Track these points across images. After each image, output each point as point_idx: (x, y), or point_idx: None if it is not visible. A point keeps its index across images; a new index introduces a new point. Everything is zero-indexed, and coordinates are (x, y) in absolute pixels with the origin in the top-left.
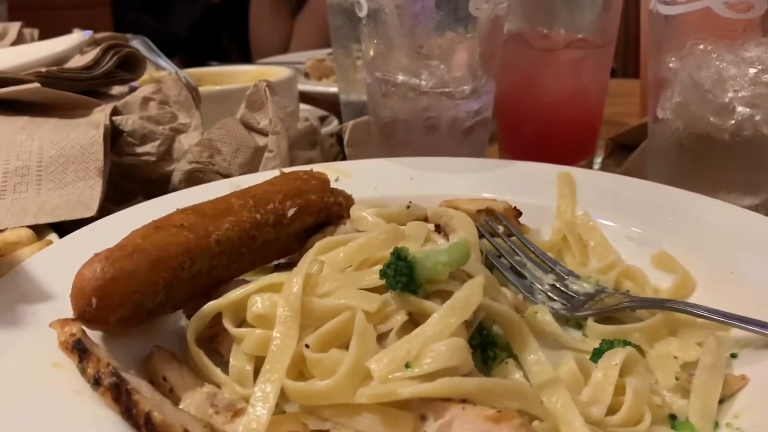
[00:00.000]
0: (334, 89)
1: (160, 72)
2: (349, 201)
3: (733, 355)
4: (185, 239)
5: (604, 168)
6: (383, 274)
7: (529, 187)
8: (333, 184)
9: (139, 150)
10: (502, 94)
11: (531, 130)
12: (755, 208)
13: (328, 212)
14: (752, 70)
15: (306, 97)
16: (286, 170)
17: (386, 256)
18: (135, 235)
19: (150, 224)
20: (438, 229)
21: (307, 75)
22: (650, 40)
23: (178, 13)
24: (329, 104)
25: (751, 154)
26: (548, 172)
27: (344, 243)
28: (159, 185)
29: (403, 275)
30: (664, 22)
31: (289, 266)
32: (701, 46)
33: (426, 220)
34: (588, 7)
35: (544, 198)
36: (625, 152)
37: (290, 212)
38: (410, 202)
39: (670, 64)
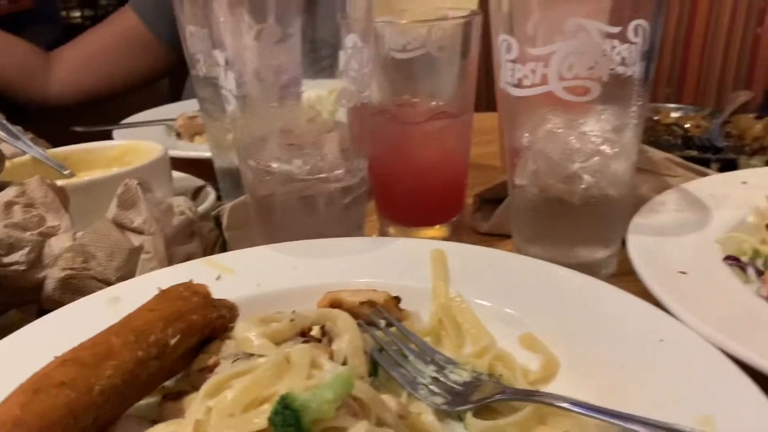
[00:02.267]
0: (208, 154)
1: (21, 157)
2: (232, 312)
3: None
4: (67, 399)
5: (473, 223)
6: (271, 422)
7: (407, 266)
8: (215, 284)
9: (7, 260)
10: (374, 163)
11: (403, 194)
12: (607, 259)
13: (213, 328)
14: (593, 143)
15: (180, 162)
16: (165, 281)
17: (274, 393)
18: (13, 404)
19: (28, 386)
20: (323, 331)
21: (178, 135)
22: (503, 115)
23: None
24: (205, 169)
25: (600, 213)
26: (425, 248)
27: (231, 380)
28: (32, 293)
29: (290, 425)
30: (515, 101)
31: (178, 395)
32: (549, 124)
33: (309, 330)
34: (446, 80)
35: (422, 279)
36: (492, 205)
37: (173, 340)
38: (294, 312)
39: (523, 139)
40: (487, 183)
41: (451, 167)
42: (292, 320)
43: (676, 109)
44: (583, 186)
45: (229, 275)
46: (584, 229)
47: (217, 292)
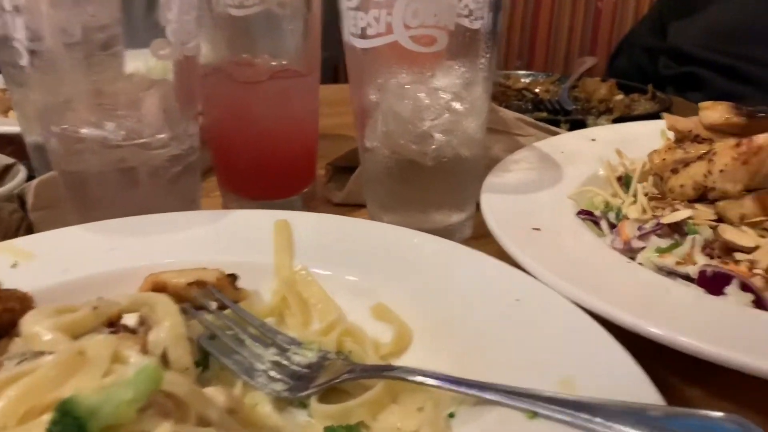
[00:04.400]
0: (18, 129)
1: None
2: (25, 303)
3: (451, 415)
4: None
5: (327, 193)
6: None
7: (246, 241)
8: (9, 272)
9: None
10: (212, 130)
11: (247, 164)
12: (463, 222)
13: None
14: (443, 99)
15: None
16: None
17: (60, 396)
18: None
19: None
20: (141, 319)
21: None
22: (350, 72)
23: None
24: (18, 146)
25: (454, 175)
26: (266, 220)
27: (7, 386)
28: None
29: None
30: (361, 55)
31: None
32: (397, 78)
33: (119, 318)
34: (288, 36)
35: (264, 253)
36: (346, 173)
37: None
38: (100, 298)
39: (371, 96)
40: (341, 152)
41: (298, 132)
42: (95, 308)
43: (526, 75)
44: (434, 146)
45: (28, 261)
46: (438, 192)
47: (11, 282)
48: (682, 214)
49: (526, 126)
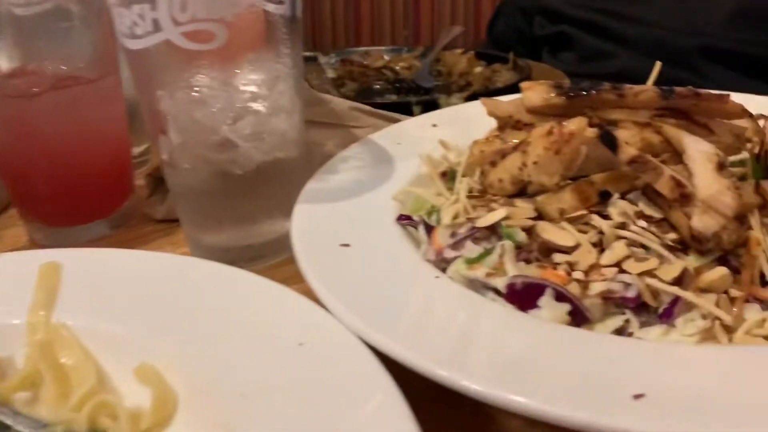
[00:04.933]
0: None
1: None
2: None
3: None
4: None
5: (148, 209)
6: None
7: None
8: None
9: None
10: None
11: (46, 188)
12: None
13: None
14: (241, 100)
15: None
16: None
17: None
18: None
19: None
20: None
21: None
22: (134, 78)
23: None
24: None
25: (273, 182)
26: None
27: None
28: None
29: None
30: (137, 56)
31: None
32: (185, 81)
33: None
34: (81, 39)
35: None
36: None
37: None
38: None
39: (159, 104)
40: None
41: (100, 146)
42: None
43: (389, 51)
44: (238, 153)
45: None
46: (259, 203)
47: None
48: (497, 214)
49: (363, 116)
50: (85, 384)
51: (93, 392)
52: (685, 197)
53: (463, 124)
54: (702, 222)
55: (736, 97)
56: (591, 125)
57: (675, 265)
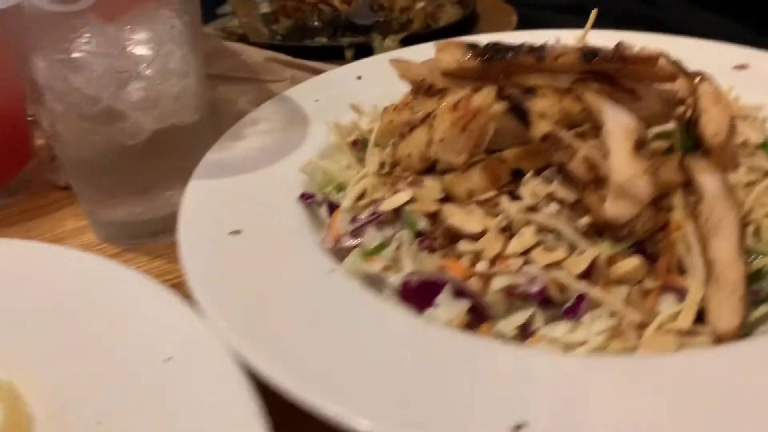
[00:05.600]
0: None
1: None
2: None
3: None
4: None
5: (50, 175)
6: None
7: None
8: None
9: None
10: None
11: None
12: None
13: None
14: (126, 64)
15: None
16: None
17: None
18: None
19: None
20: None
21: None
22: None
23: None
24: None
25: (174, 150)
26: None
27: None
28: None
29: None
30: (7, 22)
31: None
32: (60, 46)
33: None
34: None
35: None
36: None
37: None
38: None
39: (35, 72)
40: None
41: None
42: None
43: None
44: (129, 122)
45: None
46: (155, 174)
47: None
48: (400, 197)
49: (281, 67)
50: None
51: None
52: (599, 180)
53: (392, 77)
54: (615, 208)
55: (713, 47)
56: (503, 95)
57: (584, 257)
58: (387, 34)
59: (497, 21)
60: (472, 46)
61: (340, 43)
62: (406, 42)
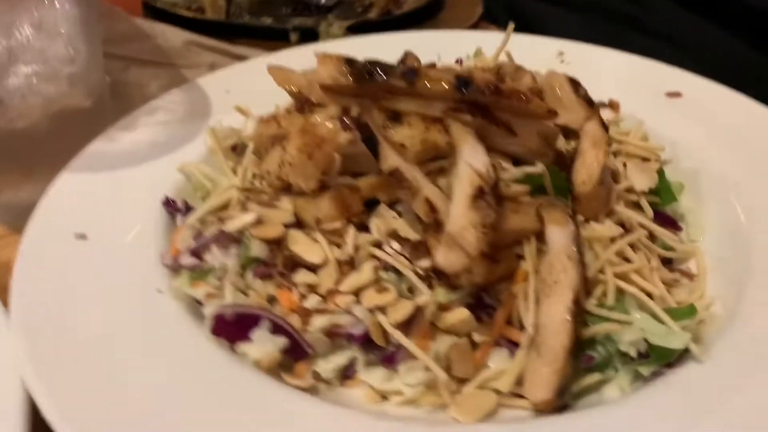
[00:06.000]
0: None
1: None
2: None
3: None
4: None
5: None
6: None
7: None
8: None
9: None
10: None
11: None
12: None
13: None
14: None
15: None
16: None
17: None
18: None
19: None
20: None
21: None
22: None
23: None
24: None
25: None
26: None
27: None
28: None
29: None
30: None
31: None
32: None
33: None
34: None
35: None
36: None
37: None
38: None
39: None
40: None
41: None
42: None
43: None
44: (12, 107)
45: None
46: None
47: None
48: (246, 218)
49: (199, 52)
50: None
51: None
52: (439, 224)
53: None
54: (445, 258)
55: (655, 68)
56: (359, 124)
57: (407, 303)
58: (346, 17)
59: (461, 12)
60: (350, 62)
61: (285, 26)
62: (354, 30)
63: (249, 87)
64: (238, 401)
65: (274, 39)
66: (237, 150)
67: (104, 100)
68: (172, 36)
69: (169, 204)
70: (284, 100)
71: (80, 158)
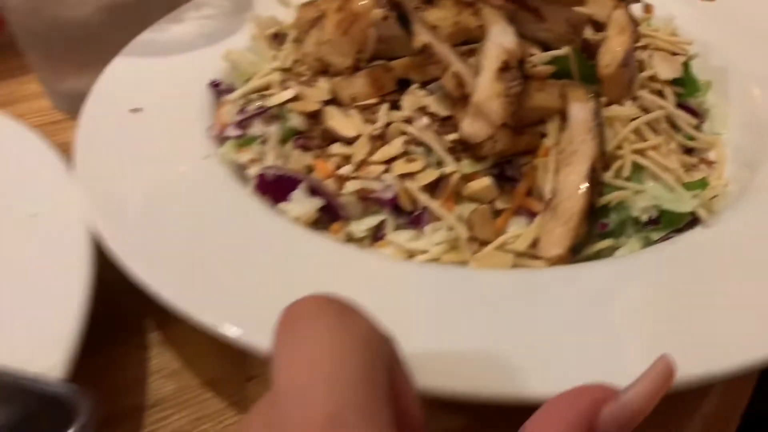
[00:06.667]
0: None
1: None
2: None
3: None
4: None
5: None
6: None
7: None
8: None
9: None
10: None
11: None
12: None
13: None
14: None
15: None
16: None
17: None
18: None
19: None
20: None
21: None
22: None
23: None
24: None
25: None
26: None
27: None
28: None
29: None
30: None
31: None
32: None
33: None
34: None
35: None
36: None
37: None
38: None
39: None
40: None
41: None
42: None
43: None
44: None
45: None
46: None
47: None
48: (286, 94)
49: None
50: None
51: None
52: (466, 97)
53: None
54: (470, 127)
55: None
56: (391, 1)
57: (433, 171)
58: None
59: None
60: None
61: None
62: None
63: None
64: (283, 247)
65: None
66: (278, 38)
67: None
68: None
69: (214, 85)
70: None
71: (132, 45)
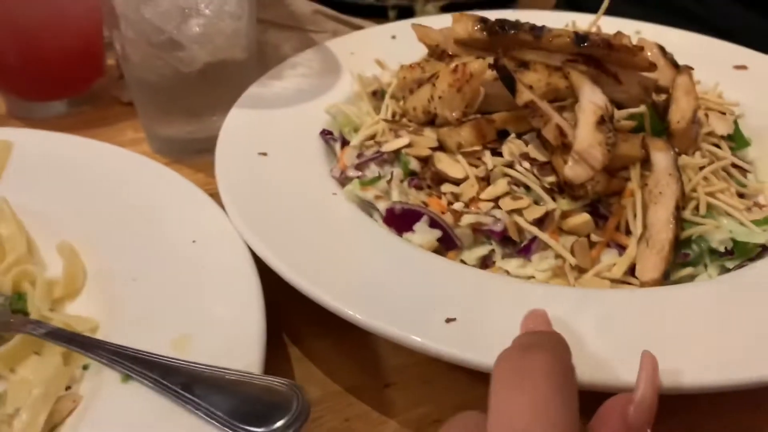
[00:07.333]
0: None
1: None
2: None
3: (85, 367)
4: None
5: (116, 91)
6: None
7: None
8: None
9: None
10: None
11: (17, 62)
12: None
13: None
14: (187, 3)
15: None
16: None
17: None
18: None
19: None
20: None
21: None
22: None
23: None
24: None
25: (221, 81)
26: None
27: None
28: None
29: None
30: None
31: None
32: None
33: None
34: None
35: None
36: None
37: None
38: None
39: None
40: None
41: (72, 23)
42: None
43: None
44: (186, 52)
45: None
46: (205, 100)
47: None
48: (400, 142)
49: (324, 20)
50: (15, 252)
51: (20, 261)
52: (566, 146)
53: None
54: (573, 171)
55: (721, 46)
56: (498, 65)
57: (540, 207)
58: (426, 1)
59: (539, 2)
60: (483, 20)
61: (385, 3)
62: (447, 9)
63: (368, 50)
64: (413, 266)
65: (376, 16)
66: (377, 95)
67: (252, 56)
68: (301, 4)
69: (325, 133)
70: (396, 60)
71: (243, 98)
